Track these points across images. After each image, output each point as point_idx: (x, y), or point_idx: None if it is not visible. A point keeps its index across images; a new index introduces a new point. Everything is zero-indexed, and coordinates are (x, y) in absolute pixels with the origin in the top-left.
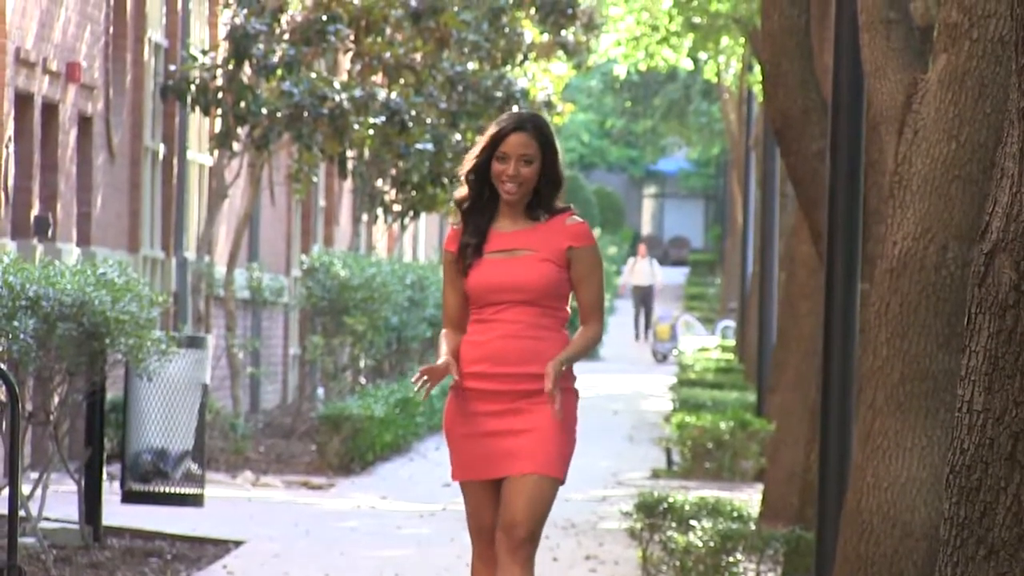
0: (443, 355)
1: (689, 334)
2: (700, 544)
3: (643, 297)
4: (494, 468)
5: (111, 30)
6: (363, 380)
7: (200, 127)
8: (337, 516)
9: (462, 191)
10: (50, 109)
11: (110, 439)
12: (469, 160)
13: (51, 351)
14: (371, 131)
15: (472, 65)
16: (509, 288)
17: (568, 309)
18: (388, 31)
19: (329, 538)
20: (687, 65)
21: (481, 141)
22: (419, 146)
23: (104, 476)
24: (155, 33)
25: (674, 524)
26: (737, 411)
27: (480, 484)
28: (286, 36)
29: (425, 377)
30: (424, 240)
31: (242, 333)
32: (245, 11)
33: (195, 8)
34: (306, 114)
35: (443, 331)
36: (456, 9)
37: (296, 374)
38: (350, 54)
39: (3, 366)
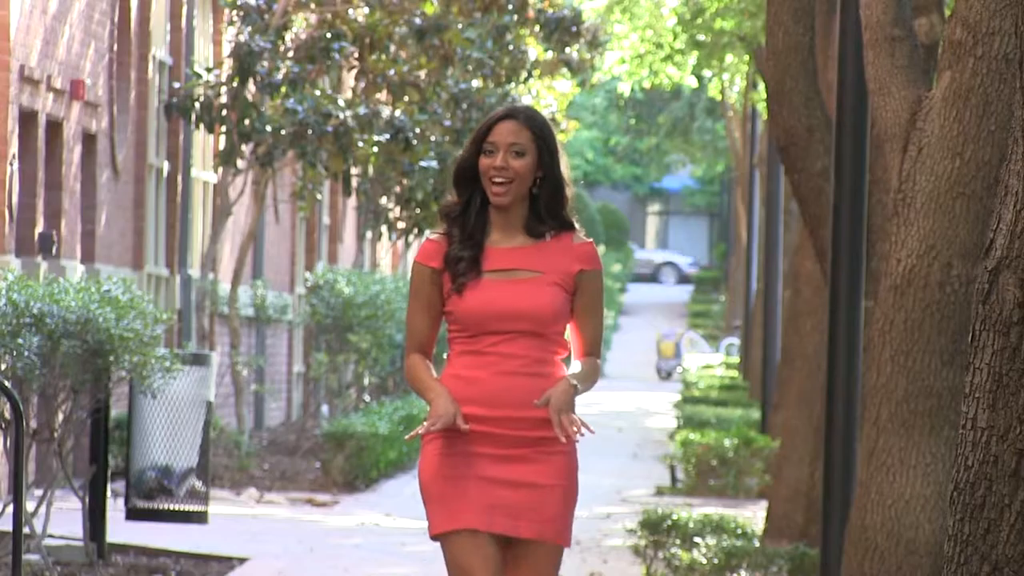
0: (439, 393)
1: (693, 351)
2: (704, 561)
3: None
4: (493, 520)
5: (115, 47)
6: (367, 397)
7: (204, 144)
8: (341, 533)
9: (450, 198)
10: (54, 126)
11: (114, 456)
12: (457, 161)
13: (55, 368)
14: (375, 149)
15: (476, 82)
16: (515, 316)
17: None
18: (392, 49)
19: (333, 555)
20: (691, 83)
21: (470, 138)
22: (423, 163)
23: (108, 493)
24: (159, 51)
25: (678, 541)
26: (741, 428)
27: (470, 535)
28: (290, 54)
29: (431, 428)
30: None
31: (246, 350)
32: (249, 29)
33: (199, 26)
34: (310, 132)
35: (414, 358)
36: (460, 27)
37: (300, 391)
38: (354, 72)
39: (7, 383)
